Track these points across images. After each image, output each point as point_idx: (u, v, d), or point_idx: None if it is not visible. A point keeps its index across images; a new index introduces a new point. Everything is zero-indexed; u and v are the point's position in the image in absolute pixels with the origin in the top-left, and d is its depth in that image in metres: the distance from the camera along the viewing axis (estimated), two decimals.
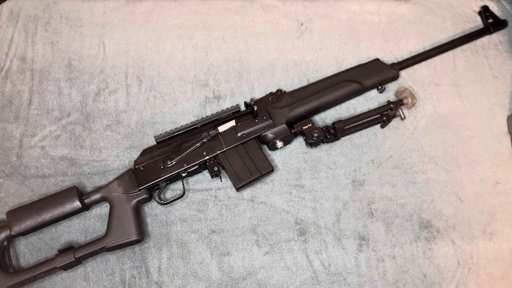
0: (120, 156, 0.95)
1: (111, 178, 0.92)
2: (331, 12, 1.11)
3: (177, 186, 0.93)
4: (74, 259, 0.81)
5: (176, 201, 0.91)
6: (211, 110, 1.00)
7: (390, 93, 1.03)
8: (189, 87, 1.02)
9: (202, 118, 0.94)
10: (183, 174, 0.89)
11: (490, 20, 1.09)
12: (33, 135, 0.96)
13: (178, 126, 0.95)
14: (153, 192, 0.90)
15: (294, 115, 0.94)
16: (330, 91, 0.97)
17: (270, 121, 0.92)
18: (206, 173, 0.94)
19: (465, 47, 1.08)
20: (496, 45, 1.09)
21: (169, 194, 0.93)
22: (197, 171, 0.92)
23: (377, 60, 1.01)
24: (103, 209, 0.91)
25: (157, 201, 0.89)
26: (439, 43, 1.07)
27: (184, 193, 0.90)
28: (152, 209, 0.92)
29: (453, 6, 1.13)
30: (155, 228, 0.90)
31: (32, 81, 1.01)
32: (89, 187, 0.93)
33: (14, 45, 1.04)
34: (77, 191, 0.85)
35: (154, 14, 1.09)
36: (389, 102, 0.97)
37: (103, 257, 0.87)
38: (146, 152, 0.91)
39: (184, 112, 1.00)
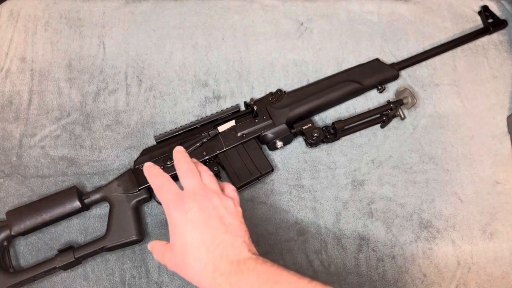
0: (120, 156, 0.95)
1: (111, 178, 0.92)
2: (331, 12, 1.11)
3: None
4: (74, 259, 0.81)
5: None
6: (211, 110, 1.00)
7: (390, 93, 1.03)
8: (189, 87, 1.02)
9: (202, 118, 0.94)
10: None
11: (490, 20, 1.09)
12: (33, 135, 0.96)
13: (178, 126, 0.95)
14: (153, 192, 0.90)
15: (294, 115, 0.94)
16: (330, 91, 0.97)
17: (270, 121, 0.92)
18: None
19: (465, 47, 1.08)
20: (496, 45, 1.09)
21: None
22: None
23: (377, 60, 1.01)
24: (103, 209, 0.91)
25: (157, 201, 0.90)
26: (439, 43, 1.07)
27: None
28: (152, 209, 0.92)
29: (453, 6, 1.13)
30: (155, 228, 0.90)
31: (32, 81, 1.01)
32: (89, 187, 0.93)
33: (14, 45, 1.04)
34: (77, 191, 0.85)
35: (154, 14, 1.09)
36: (389, 102, 0.97)
37: (103, 257, 0.87)
38: (146, 152, 0.91)
39: (184, 112, 1.00)
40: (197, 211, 0.62)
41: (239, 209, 0.67)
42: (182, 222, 0.62)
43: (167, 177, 0.68)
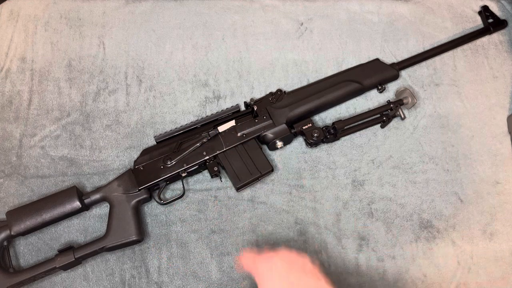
0: (120, 156, 0.95)
1: (111, 178, 0.92)
2: (331, 12, 1.11)
3: (177, 186, 0.93)
4: (74, 259, 0.81)
5: (176, 201, 0.91)
6: (211, 110, 1.00)
7: (390, 93, 1.03)
8: (189, 87, 1.02)
9: (202, 118, 0.93)
10: (183, 174, 0.89)
11: (490, 20, 1.09)
12: (33, 135, 0.96)
13: (178, 126, 0.95)
14: (153, 192, 0.90)
15: (294, 115, 0.94)
16: (330, 91, 0.96)
17: (270, 121, 0.92)
18: (206, 173, 0.94)
19: (465, 47, 1.08)
20: (496, 45, 1.09)
21: (169, 194, 0.93)
22: (197, 171, 0.92)
23: (377, 60, 1.01)
24: (103, 209, 0.91)
25: (157, 201, 0.89)
26: (439, 43, 1.07)
27: (184, 193, 0.90)
28: (152, 209, 0.92)
29: (453, 6, 1.13)
30: (155, 228, 0.90)
31: (32, 81, 1.01)
32: (89, 187, 0.92)
33: (14, 45, 1.04)
34: (77, 191, 0.85)
35: (154, 14, 1.08)
36: (389, 102, 0.97)
37: (103, 257, 0.87)
38: (146, 152, 0.91)
39: (184, 112, 1.00)
40: None
41: None
42: None
43: None
